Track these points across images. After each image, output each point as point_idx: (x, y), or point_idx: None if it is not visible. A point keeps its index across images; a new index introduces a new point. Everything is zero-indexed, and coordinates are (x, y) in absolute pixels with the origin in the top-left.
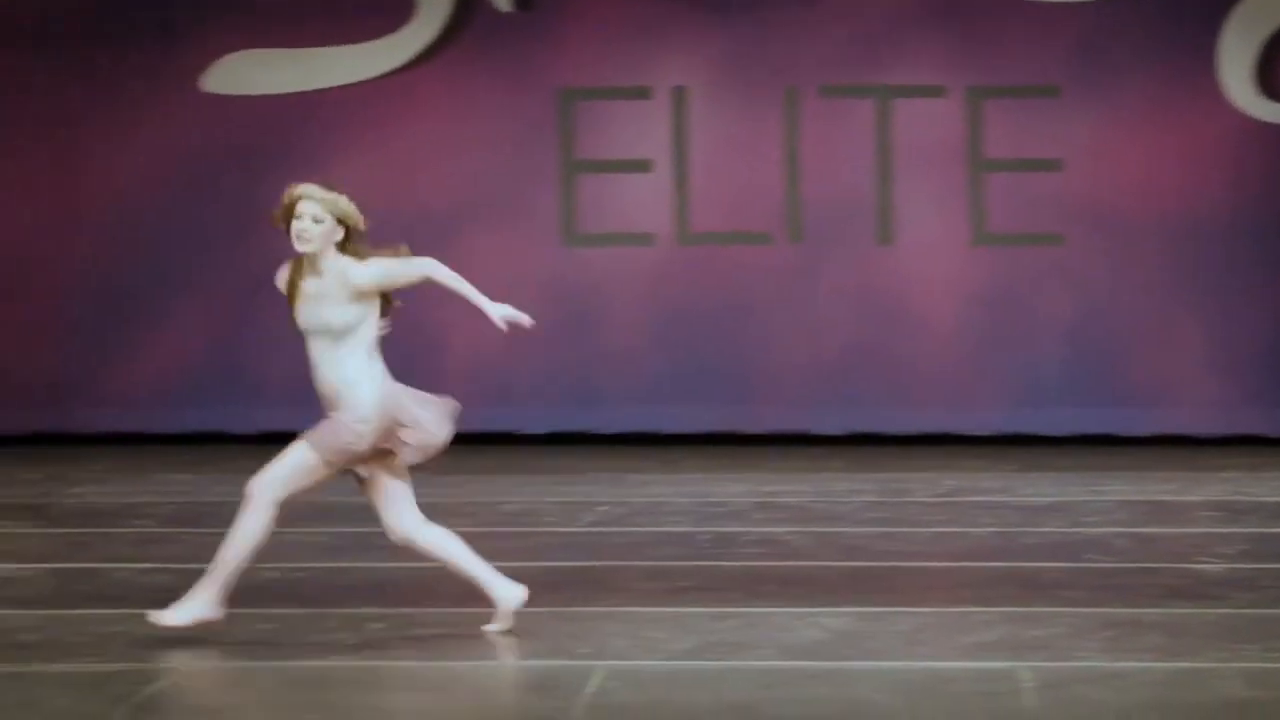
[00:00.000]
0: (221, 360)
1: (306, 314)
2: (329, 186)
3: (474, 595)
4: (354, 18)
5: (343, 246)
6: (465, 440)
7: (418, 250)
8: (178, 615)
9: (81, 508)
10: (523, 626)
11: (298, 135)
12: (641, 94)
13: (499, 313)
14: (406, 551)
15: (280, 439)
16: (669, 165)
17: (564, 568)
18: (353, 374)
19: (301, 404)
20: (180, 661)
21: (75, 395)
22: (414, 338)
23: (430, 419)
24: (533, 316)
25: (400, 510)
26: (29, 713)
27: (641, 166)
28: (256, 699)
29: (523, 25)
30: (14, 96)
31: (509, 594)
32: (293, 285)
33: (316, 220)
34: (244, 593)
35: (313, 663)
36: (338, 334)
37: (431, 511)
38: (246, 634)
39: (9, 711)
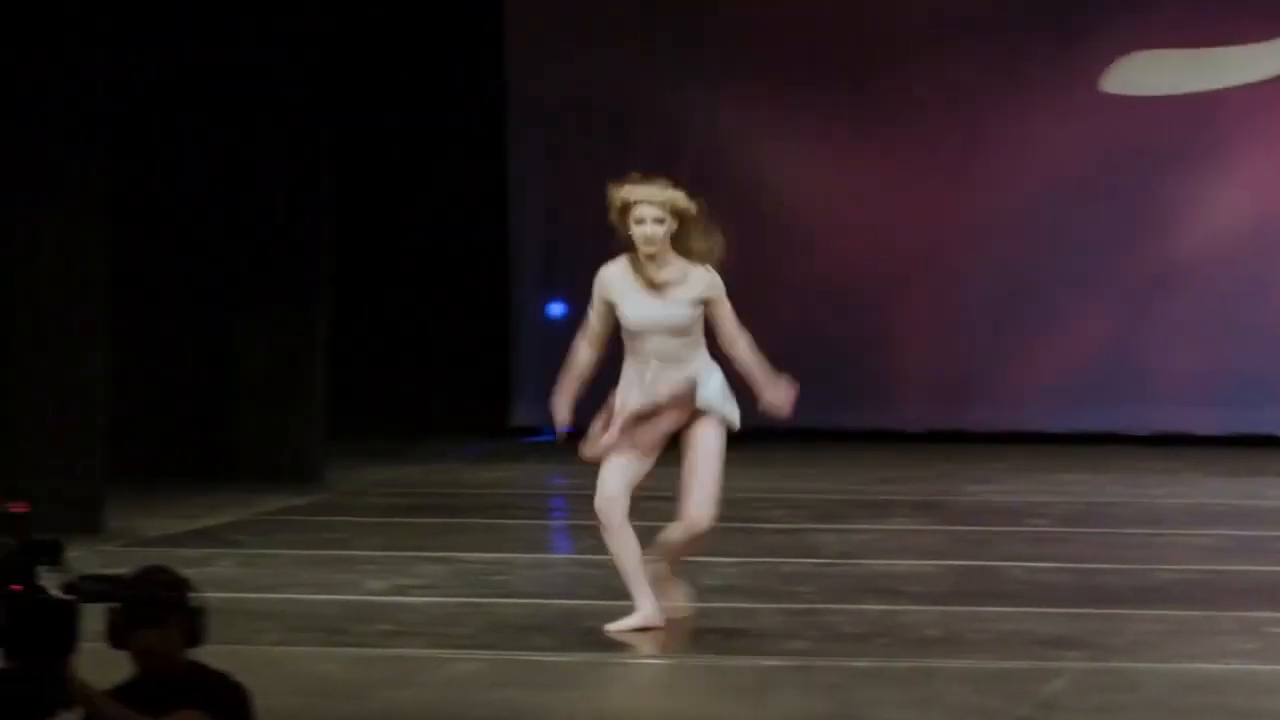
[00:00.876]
0: (1116, 359)
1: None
2: (656, 180)
3: None
4: (1252, 16)
5: (677, 237)
6: None
7: None
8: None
9: (978, 505)
10: None
11: (1196, 136)
12: None
13: (770, 394)
14: None
15: (1173, 441)
16: None
17: None
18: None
19: (1197, 405)
20: (1076, 661)
21: (972, 393)
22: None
23: None
24: None
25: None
26: (930, 707)
27: None
28: (1150, 700)
29: None
30: (918, 95)
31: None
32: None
33: (658, 221)
34: (1137, 594)
35: (1206, 666)
36: (685, 330)
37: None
38: (1139, 634)
39: (911, 705)
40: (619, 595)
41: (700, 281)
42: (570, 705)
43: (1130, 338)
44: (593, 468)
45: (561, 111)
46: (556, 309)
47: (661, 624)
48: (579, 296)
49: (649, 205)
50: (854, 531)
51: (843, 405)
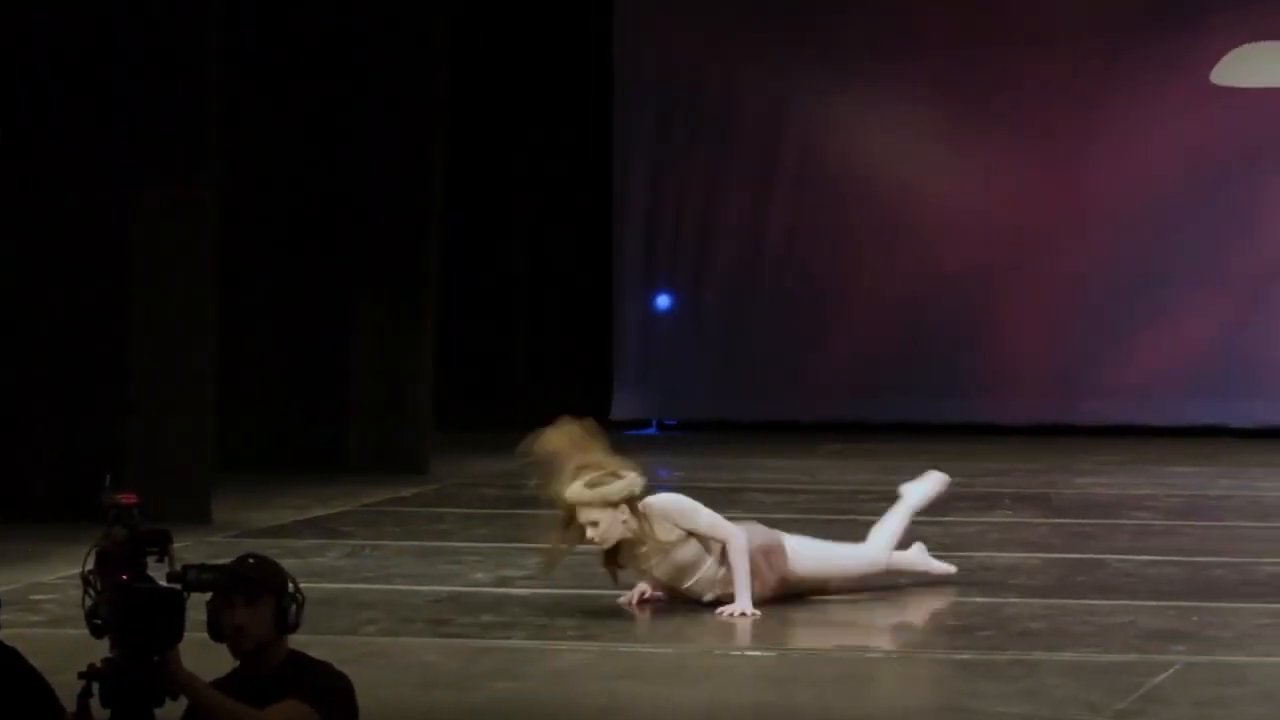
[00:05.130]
0: (1224, 352)
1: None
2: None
3: None
4: None
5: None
6: None
7: None
8: None
9: (1084, 499)
10: None
11: None
12: None
13: (737, 607)
14: None
15: (1279, 434)
16: None
17: None
18: None
19: None
20: (1181, 654)
21: (1079, 386)
22: None
23: None
24: None
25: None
26: (1033, 699)
27: None
28: (1257, 693)
29: None
30: (1028, 85)
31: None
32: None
33: (594, 524)
34: (1245, 587)
35: None
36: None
37: None
38: (1248, 628)
39: (1014, 697)
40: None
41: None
42: (675, 697)
43: (1238, 331)
44: (700, 457)
45: (665, 100)
46: (663, 301)
47: None
48: (683, 287)
49: (583, 510)
50: (958, 524)
51: (949, 398)
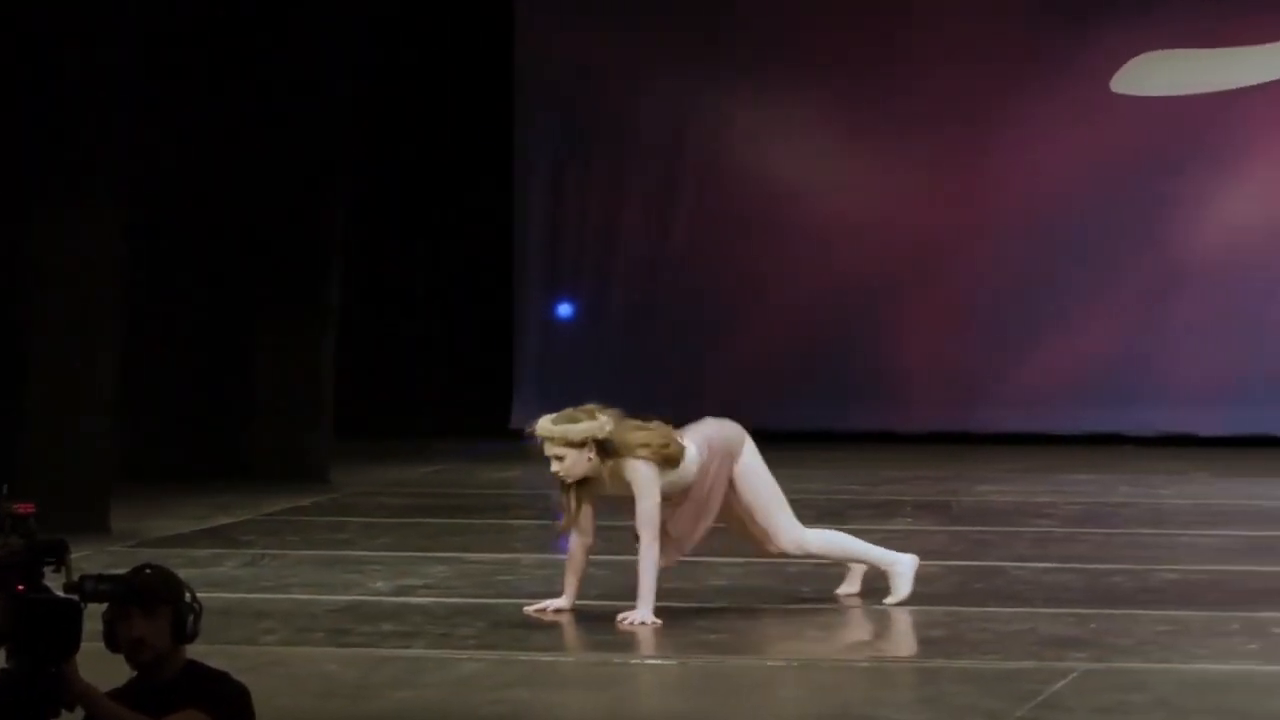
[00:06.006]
0: (1124, 360)
1: None
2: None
3: None
4: (1264, 17)
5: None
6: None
7: None
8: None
9: (984, 506)
10: None
11: (1206, 136)
12: None
13: (637, 616)
14: None
15: (1181, 442)
16: None
17: None
18: None
19: (1204, 406)
20: (1080, 662)
21: (979, 394)
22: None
23: None
24: None
25: None
26: (934, 706)
27: None
28: (1155, 700)
29: None
30: (927, 93)
31: (904, 563)
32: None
33: (559, 458)
34: (1142, 594)
35: (1211, 666)
36: None
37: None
38: (1146, 635)
39: (913, 705)
40: (623, 595)
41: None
42: (575, 705)
43: (1138, 339)
44: None
45: (568, 105)
46: (564, 308)
47: None
48: (585, 294)
49: (548, 444)
50: (859, 532)
51: (849, 405)
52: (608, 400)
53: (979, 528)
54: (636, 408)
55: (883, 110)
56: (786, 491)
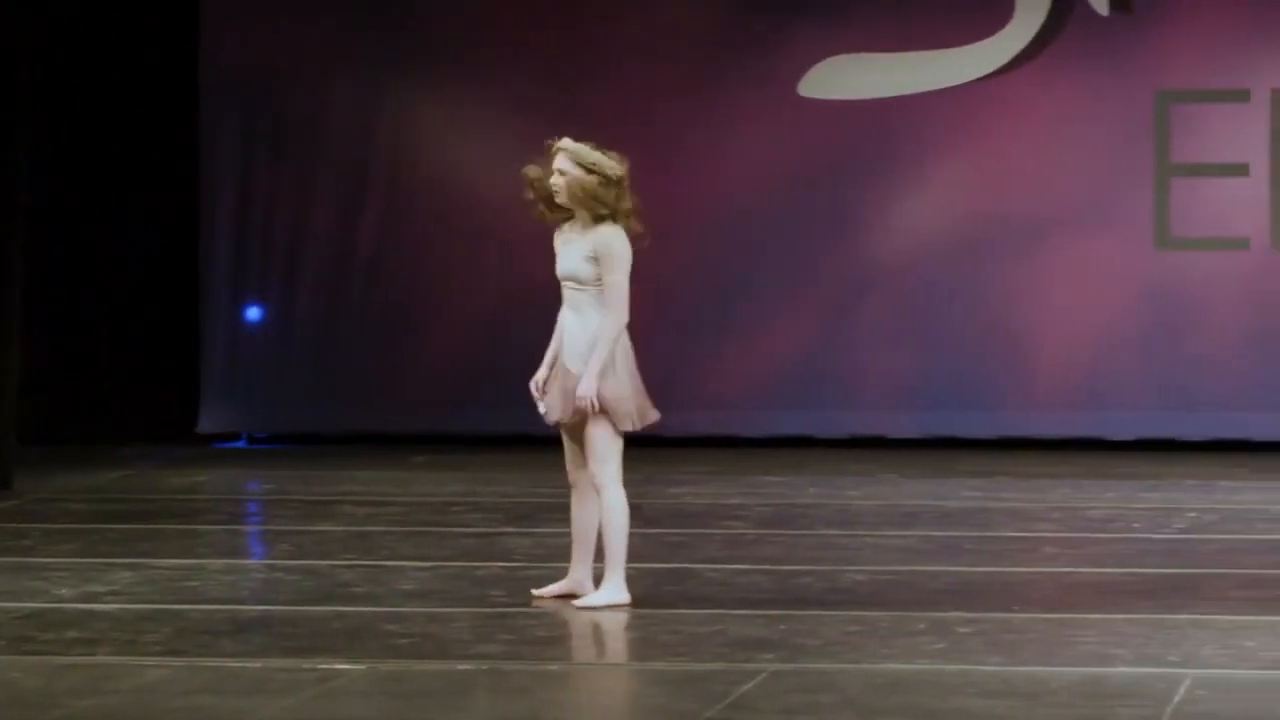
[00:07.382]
0: (813, 363)
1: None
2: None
3: (1065, 601)
4: (949, 22)
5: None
6: (1052, 445)
7: (1008, 252)
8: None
9: (675, 508)
10: (1113, 632)
11: (894, 139)
12: (1240, 97)
13: (583, 389)
14: (995, 556)
15: (870, 444)
16: (1266, 169)
17: (1153, 574)
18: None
19: (893, 408)
20: (769, 663)
21: (668, 397)
22: (1000, 342)
23: None
24: (1123, 320)
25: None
26: (624, 708)
27: (1238, 170)
28: (842, 700)
29: (1121, 28)
30: (613, 93)
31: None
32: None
33: (561, 172)
34: (830, 595)
35: (900, 666)
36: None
37: (1015, 516)
38: (835, 635)
39: (603, 707)
40: (312, 600)
41: (596, 238)
42: (262, 711)
43: (827, 341)
44: (292, 470)
45: (253, 102)
46: (252, 312)
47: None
48: (273, 298)
49: (561, 154)
50: (548, 535)
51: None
52: (304, 405)
53: (671, 530)
54: (328, 411)
55: (574, 113)
56: (478, 495)
